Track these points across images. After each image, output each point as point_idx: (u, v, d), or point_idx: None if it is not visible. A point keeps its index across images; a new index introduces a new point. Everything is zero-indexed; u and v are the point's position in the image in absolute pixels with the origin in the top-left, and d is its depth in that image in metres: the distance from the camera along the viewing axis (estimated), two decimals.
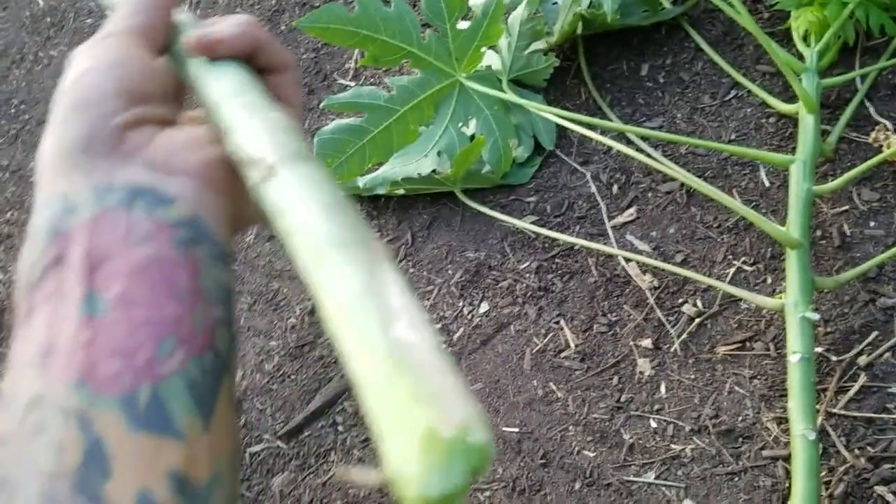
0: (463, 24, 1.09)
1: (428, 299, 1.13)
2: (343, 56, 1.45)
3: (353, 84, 1.40)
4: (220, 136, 0.37)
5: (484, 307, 1.10)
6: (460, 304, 1.11)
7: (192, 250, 0.34)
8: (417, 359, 0.24)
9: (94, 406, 0.30)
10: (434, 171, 1.14)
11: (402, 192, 1.19)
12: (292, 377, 1.14)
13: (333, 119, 1.30)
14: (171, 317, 0.32)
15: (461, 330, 1.09)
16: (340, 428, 1.08)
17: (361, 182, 1.19)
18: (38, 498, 0.29)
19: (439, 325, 1.11)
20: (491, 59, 1.16)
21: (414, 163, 1.16)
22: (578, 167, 1.14)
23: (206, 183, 0.36)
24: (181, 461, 0.30)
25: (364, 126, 1.12)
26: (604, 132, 1.09)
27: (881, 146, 0.99)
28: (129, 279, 0.32)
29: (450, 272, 1.14)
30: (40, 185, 0.35)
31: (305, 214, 0.30)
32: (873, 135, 1.00)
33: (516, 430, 1.00)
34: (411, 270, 1.17)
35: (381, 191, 1.20)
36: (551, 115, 1.05)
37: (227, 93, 0.37)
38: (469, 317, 1.10)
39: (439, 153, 1.15)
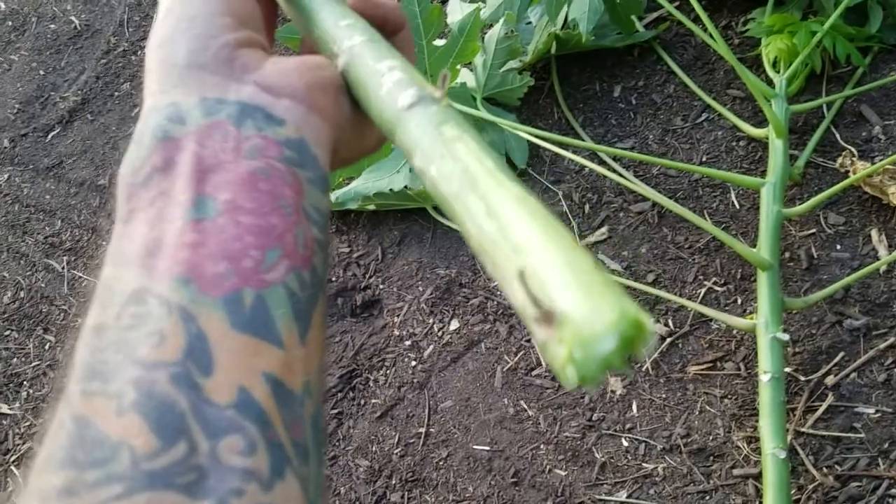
0: (439, 42, 1.09)
1: (398, 315, 1.12)
2: None
3: None
4: (346, 65, 0.38)
5: (454, 324, 1.09)
6: (430, 321, 1.11)
7: (297, 171, 0.34)
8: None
9: (197, 303, 0.30)
10: (406, 186, 1.14)
11: (372, 207, 1.19)
12: None
13: None
14: (277, 229, 0.32)
15: (431, 347, 1.08)
16: None
17: (333, 197, 1.18)
18: (134, 386, 0.28)
19: (409, 342, 1.10)
20: (465, 77, 1.17)
21: (386, 178, 1.16)
22: (550, 186, 1.14)
23: (313, 108, 0.36)
24: (278, 366, 0.30)
25: None
26: (576, 152, 1.10)
27: (847, 171, 1.01)
28: (238, 188, 0.32)
29: (420, 289, 1.13)
30: (147, 95, 0.35)
31: (464, 150, 0.30)
32: (839, 160, 1.02)
33: (487, 448, 0.99)
34: (381, 287, 1.16)
35: (352, 206, 1.19)
36: (524, 133, 1.05)
37: (364, 38, 0.38)
38: (439, 334, 1.09)
39: (412, 169, 1.15)
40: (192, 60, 0.35)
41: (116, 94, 1.56)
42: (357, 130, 0.40)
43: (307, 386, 0.32)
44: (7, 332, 1.34)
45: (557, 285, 0.25)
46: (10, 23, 1.75)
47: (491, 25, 1.14)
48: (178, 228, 0.31)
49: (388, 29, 0.41)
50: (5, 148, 1.56)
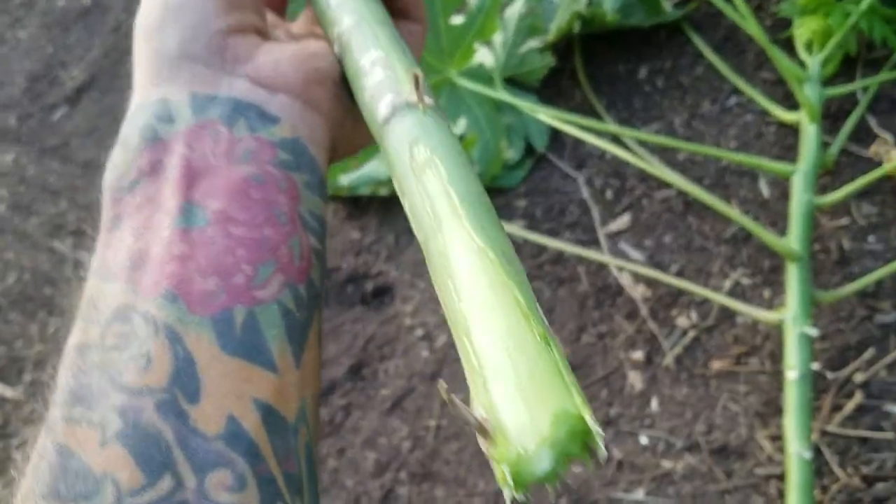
0: (457, 19, 1.05)
1: (410, 304, 1.09)
2: None
3: None
4: (340, 55, 0.34)
5: None
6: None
7: (292, 175, 0.32)
8: (556, 348, 0.23)
9: (185, 323, 0.27)
10: None
11: (385, 192, 1.15)
12: None
13: None
14: (271, 241, 0.30)
15: (444, 337, 1.05)
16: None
17: (345, 181, 1.15)
18: (119, 414, 0.26)
19: (421, 332, 1.06)
20: (483, 56, 1.12)
21: None
22: (571, 171, 1.10)
23: (309, 104, 0.33)
24: (271, 392, 0.28)
25: None
26: (599, 135, 1.06)
27: (881, 160, 0.96)
28: (229, 196, 0.30)
29: None
30: (136, 89, 0.33)
31: (434, 179, 0.27)
32: (873, 148, 0.97)
33: None
34: (393, 273, 1.12)
35: (364, 191, 1.15)
36: (545, 116, 1.01)
37: (352, 21, 0.34)
38: None
39: None
40: (182, 51, 0.32)
41: (124, 72, 1.52)
42: (356, 125, 0.36)
43: (301, 412, 0.29)
44: (11, 315, 1.31)
45: (493, 384, 0.22)
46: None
47: (511, 3, 1.10)
48: (166, 239, 0.28)
49: (395, 9, 0.38)
50: (12, 127, 1.53)
